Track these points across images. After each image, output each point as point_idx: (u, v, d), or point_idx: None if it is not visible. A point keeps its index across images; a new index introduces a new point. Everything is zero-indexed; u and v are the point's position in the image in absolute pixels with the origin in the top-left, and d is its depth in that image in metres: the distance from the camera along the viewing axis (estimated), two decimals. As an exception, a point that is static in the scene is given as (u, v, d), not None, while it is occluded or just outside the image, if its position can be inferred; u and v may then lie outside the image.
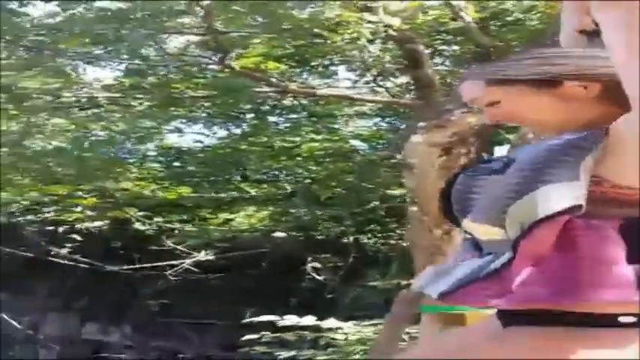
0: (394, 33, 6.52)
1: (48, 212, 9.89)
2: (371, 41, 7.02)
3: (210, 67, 7.69)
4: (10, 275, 12.32)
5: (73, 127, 8.65)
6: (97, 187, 8.91)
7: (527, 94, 1.78)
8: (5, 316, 12.62)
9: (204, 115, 8.74)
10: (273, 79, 7.64)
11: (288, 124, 9.04)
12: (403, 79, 7.77)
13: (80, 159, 8.32)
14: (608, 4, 1.66)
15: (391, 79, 7.90)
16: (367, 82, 8.21)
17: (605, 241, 1.61)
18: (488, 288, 1.61)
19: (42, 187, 8.97)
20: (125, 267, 10.39)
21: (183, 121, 8.99)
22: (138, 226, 9.58)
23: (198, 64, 7.83)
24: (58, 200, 9.41)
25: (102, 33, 6.97)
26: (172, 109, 8.09)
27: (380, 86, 8.03)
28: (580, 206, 1.58)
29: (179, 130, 9.31)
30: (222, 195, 9.13)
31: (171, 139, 9.94)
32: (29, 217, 10.14)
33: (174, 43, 7.67)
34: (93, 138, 8.90)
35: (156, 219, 9.52)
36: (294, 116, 8.98)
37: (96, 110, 8.23)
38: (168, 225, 9.47)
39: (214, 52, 7.25)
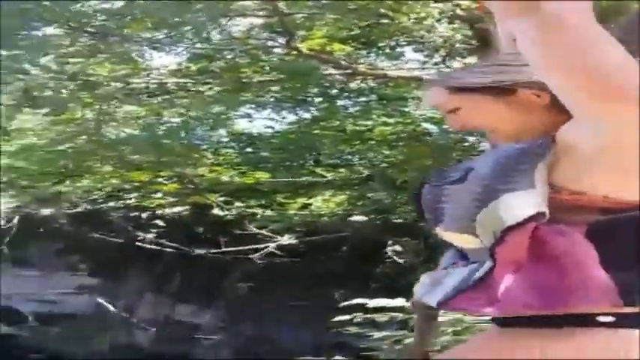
0: (462, 13, 6.29)
1: (129, 199, 9.88)
2: (438, 21, 6.78)
3: (276, 50, 7.51)
4: (102, 261, 12.52)
5: (145, 113, 8.57)
6: (177, 174, 8.85)
7: (485, 101, 1.78)
8: (101, 300, 12.84)
9: (272, 99, 8.58)
10: (342, 62, 7.43)
11: (357, 108, 8.82)
12: (471, 60, 7.49)
13: (155, 145, 8.24)
14: (514, 7, 1.54)
15: (459, 59, 7.63)
16: (436, 64, 7.96)
17: (575, 245, 1.60)
18: (479, 297, 1.62)
19: (123, 174, 8.93)
20: (213, 251, 10.47)
21: (252, 106, 8.86)
22: (217, 211, 9.49)
23: (264, 47, 7.65)
24: (140, 187, 9.38)
25: (164, 17, 6.86)
26: (241, 94, 7.94)
27: (448, 67, 7.75)
28: (543, 213, 1.59)
29: (249, 116, 9.22)
30: (299, 179, 8.99)
31: (242, 125, 9.90)
32: (111, 203, 10.14)
33: (239, 26, 7.50)
34: (167, 124, 8.79)
35: (236, 204, 9.43)
36: (364, 99, 8.76)
37: (166, 96, 8.14)
38: (248, 210, 9.37)
39: (279, 34, 7.09)
